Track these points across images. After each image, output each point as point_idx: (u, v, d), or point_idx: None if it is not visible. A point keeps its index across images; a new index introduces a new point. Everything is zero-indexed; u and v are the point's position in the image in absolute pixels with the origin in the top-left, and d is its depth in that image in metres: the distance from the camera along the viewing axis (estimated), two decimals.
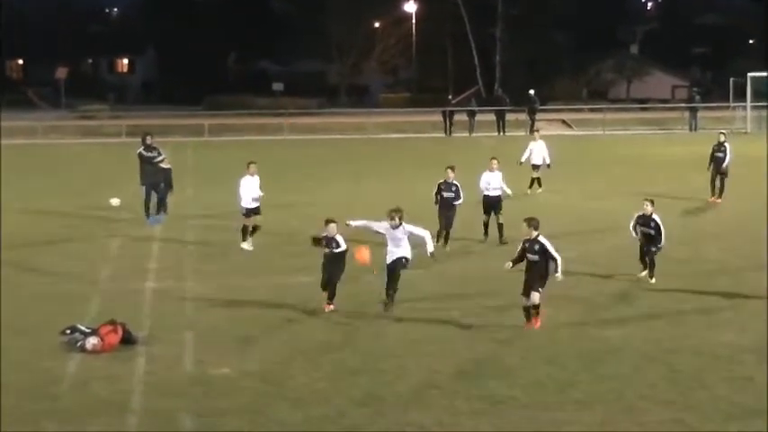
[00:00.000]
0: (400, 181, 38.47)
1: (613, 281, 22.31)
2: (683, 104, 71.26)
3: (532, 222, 18.33)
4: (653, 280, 21.95)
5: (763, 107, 61.53)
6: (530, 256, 18.18)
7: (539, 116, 62.36)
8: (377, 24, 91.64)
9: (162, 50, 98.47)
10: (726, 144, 34.01)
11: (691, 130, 61.70)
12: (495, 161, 27.15)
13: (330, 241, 19.53)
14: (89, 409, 14.69)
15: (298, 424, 14.18)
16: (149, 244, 26.88)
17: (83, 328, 17.66)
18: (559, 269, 18.21)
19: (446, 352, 17.25)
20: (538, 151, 35.51)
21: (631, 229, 22.17)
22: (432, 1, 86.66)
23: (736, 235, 27.86)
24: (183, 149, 46.71)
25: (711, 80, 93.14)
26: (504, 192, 26.74)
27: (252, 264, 24.43)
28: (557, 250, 18.34)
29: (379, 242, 20.44)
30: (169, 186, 30.18)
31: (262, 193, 26.00)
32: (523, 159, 35.27)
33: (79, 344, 17.29)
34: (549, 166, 35.54)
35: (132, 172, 31.21)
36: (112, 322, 17.68)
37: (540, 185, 35.17)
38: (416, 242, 19.58)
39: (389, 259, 19.22)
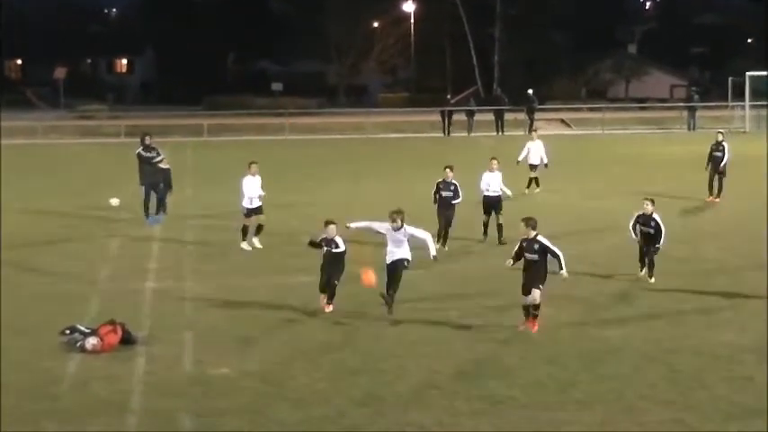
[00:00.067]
0: (399, 181, 38.48)
1: (613, 280, 22.31)
2: (681, 104, 71.27)
3: (530, 222, 18.29)
4: (652, 279, 21.96)
5: (761, 106, 61.55)
6: (528, 255, 18.15)
7: (537, 116, 62.38)
8: (375, 24, 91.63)
9: (161, 51, 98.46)
10: (724, 143, 34.02)
11: (689, 129, 61.73)
12: (495, 161, 27.12)
13: (330, 242, 19.50)
14: (89, 409, 14.69)
15: (297, 424, 14.18)
16: (149, 244, 26.88)
17: (82, 328, 17.66)
18: (564, 266, 18.14)
19: (446, 352, 17.25)
20: (535, 151, 35.49)
21: (631, 228, 22.17)
22: (430, 1, 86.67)
23: (735, 234, 27.87)
24: (183, 149, 46.71)
25: (710, 80, 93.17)
26: (503, 193, 26.71)
27: (251, 264, 24.43)
28: (552, 246, 18.25)
29: (379, 243, 20.43)
30: (168, 186, 30.18)
31: (263, 193, 26.00)
32: (520, 159, 35.26)
33: (79, 344, 17.29)
34: (546, 165, 35.51)
35: (131, 172, 31.21)
36: (112, 322, 17.68)
37: (537, 185, 35.16)
38: (417, 244, 19.56)
39: (389, 260, 19.15)
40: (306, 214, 29.69)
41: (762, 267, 23.05)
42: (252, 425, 14.16)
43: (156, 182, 29.96)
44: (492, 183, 26.50)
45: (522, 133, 56.39)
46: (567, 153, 46.58)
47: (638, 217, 22.06)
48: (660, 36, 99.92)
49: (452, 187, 25.61)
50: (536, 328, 17.96)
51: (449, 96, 67.07)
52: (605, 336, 18.29)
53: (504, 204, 26.73)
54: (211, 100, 77.74)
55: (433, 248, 19.33)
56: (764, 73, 62.57)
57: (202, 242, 27.02)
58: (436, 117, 62.64)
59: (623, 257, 23.34)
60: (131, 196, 31.20)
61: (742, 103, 63.03)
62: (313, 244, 19.82)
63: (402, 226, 18.97)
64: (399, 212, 19.10)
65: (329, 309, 19.50)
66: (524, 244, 18.25)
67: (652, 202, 22.06)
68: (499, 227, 26.18)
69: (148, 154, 30.17)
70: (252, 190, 25.81)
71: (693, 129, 61.32)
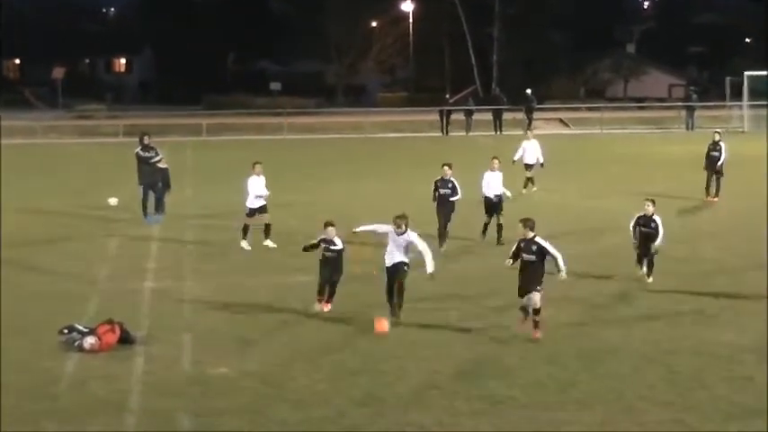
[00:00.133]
0: (398, 180, 38.47)
1: (612, 281, 22.29)
2: (679, 103, 71.28)
3: (528, 223, 18.16)
4: (651, 279, 21.94)
5: (759, 106, 61.55)
6: (525, 256, 18.02)
7: (536, 115, 62.39)
8: (374, 24, 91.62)
9: (159, 50, 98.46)
10: (721, 143, 34.01)
11: (688, 128, 61.72)
12: (496, 161, 27.06)
13: (328, 243, 19.41)
14: (87, 409, 14.67)
15: (297, 424, 14.17)
16: (148, 244, 26.86)
17: (80, 327, 17.64)
18: (563, 267, 18.01)
19: (446, 352, 17.23)
20: (531, 150, 35.37)
21: (631, 229, 22.11)
22: (429, 0, 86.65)
23: (734, 234, 27.87)
24: (181, 149, 46.70)
25: (708, 79, 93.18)
26: (503, 193, 26.65)
27: (250, 263, 24.41)
28: (556, 249, 18.19)
29: (379, 244, 20.36)
30: (167, 186, 30.16)
31: (268, 193, 25.99)
32: (516, 158, 35.07)
33: (77, 343, 17.28)
34: (542, 165, 35.39)
35: (130, 172, 31.18)
36: (110, 322, 17.66)
37: (533, 184, 35.08)
38: (416, 256, 19.38)
39: (389, 262, 18.85)
40: (305, 214, 29.68)
41: (761, 267, 23.05)
42: (251, 425, 14.14)
43: (154, 181, 29.94)
44: (493, 182, 26.46)
45: (520, 133, 56.27)
46: (565, 153, 46.58)
47: (638, 218, 22.03)
48: (658, 36, 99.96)
49: (450, 185, 25.56)
50: (538, 334, 17.80)
51: (447, 96, 67.06)
52: (604, 336, 18.28)
53: (504, 205, 26.68)
54: (210, 100, 77.71)
55: (430, 265, 18.74)
56: (763, 73, 62.58)
57: (201, 242, 27.00)
58: (435, 117, 62.64)
59: (622, 257, 23.32)
60: (130, 196, 31.19)
61: (740, 103, 63.05)
62: (310, 247, 19.70)
63: (405, 231, 18.76)
64: (403, 217, 18.81)
65: (327, 308, 19.47)
66: (522, 245, 18.15)
67: (653, 203, 22.03)
68: (499, 227, 26.15)
69: (147, 154, 30.15)
70: (256, 190, 25.80)
71: (692, 128, 61.31)
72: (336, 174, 41.12)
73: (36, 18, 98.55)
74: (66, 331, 17.56)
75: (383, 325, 18.34)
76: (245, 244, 25.73)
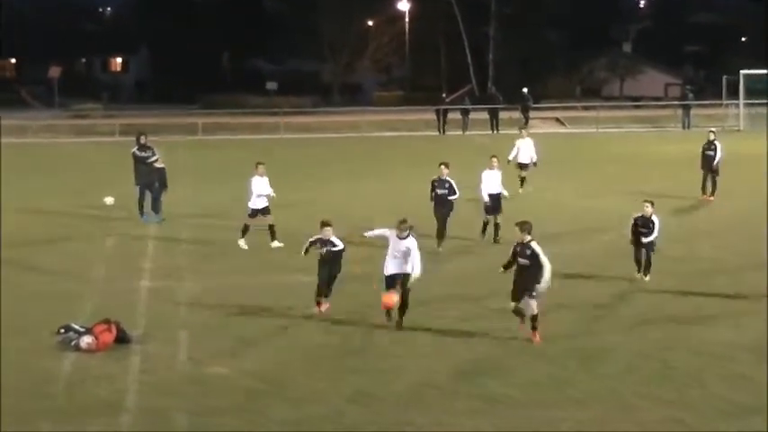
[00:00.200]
0: (396, 179, 38.45)
1: (609, 280, 22.28)
2: (676, 102, 71.28)
3: (525, 226, 17.98)
4: (648, 278, 21.95)
5: (755, 105, 61.58)
6: (521, 260, 17.82)
7: (532, 114, 62.33)
8: (370, 23, 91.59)
9: (155, 49, 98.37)
10: (716, 142, 34.01)
11: (684, 127, 61.71)
12: (495, 159, 27.06)
13: (326, 243, 19.29)
14: (84, 409, 14.67)
15: (295, 423, 14.16)
16: (144, 243, 26.85)
17: (77, 327, 17.63)
18: (546, 278, 17.62)
19: (443, 352, 17.24)
20: (525, 149, 35.32)
21: (631, 231, 22.02)
22: None
23: (731, 233, 27.88)
24: (178, 149, 46.64)
25: (704, 78, 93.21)
26: (501, 192, 26.63)
27: (248, 263, 24.40)
28: (546, 256, 17.73)
29: (381, 245, 20.29)
30: (163, 185, 30.14)
31: (272, 193, 25.92)
32: (511, 158, 34.91)
33: (73, 343, 17.27)
34: (535, 164, 35.34)
35: (126, 171, 31.16)
36: (107, 321, 17.66)
37: (527, 184, 34.98)
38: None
39: (389, 271, 18.56)
40: (304, 213, 29.59)
41: (758, 266, 23.05)
42: (248, 424, 14.14)
43: (150, 181, 29.93)
44: (492, 181, 26.44)
45: (516, 132, 56.31)
46: (561, 152, 46.58)
47: (636, 219, 22.00)
48: (655, 34, 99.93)
49: (447, 185, 25.49)
50: (537, 337, 17.72)
51: (444, 95, 67.02)
52: (602, 335, 18.28)
53: (502, 204, 26.66)
54: (207, 99, 77.63)
55: (417, 271, 18.40)
56: (759, 71, 62.58)
57: (198, 241, 26.99)
58: (431, 115, 62.61)
59: (619, 256, 23.32)
60: (126, 195, 31.13)
61: (736, 102, 63.03)
62: (307, 249, 19.55)
63: (408, 236, 18.60)
64: (407, 222, 18.70)
65: (325, 307, 19.39)
66: (518, 249, 18.01)
67: (652, 204, 22.01)
68: (496, 226, 26.14)
69: (143, 153, 30.14)
70: (260, 190, 25.77)
71: (688, 127, 61.30)
72: (334, 173, 41.08)
73: (33, 17, 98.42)
74: (62, 331, 17.56)
75: (391, 298, 18.26)
76: (242, 243, 25.70)
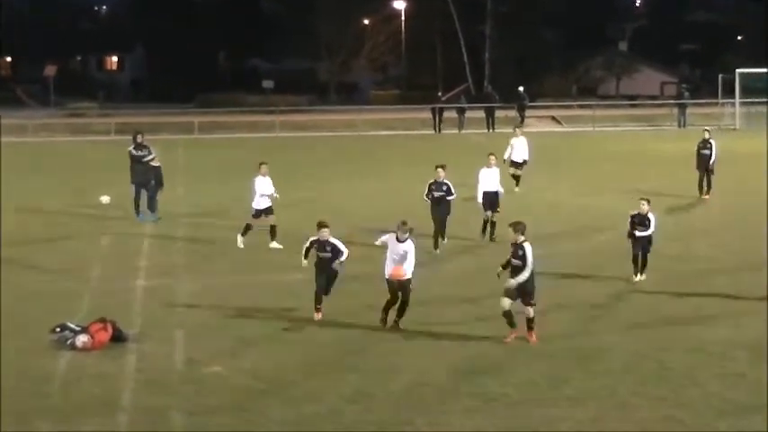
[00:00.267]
0: (391, 179, 38.41)
1: (606, 279, 22.26)
2: (671, 101, 71.30)
3: (518, 227, 17.84)
4: (644, 277, 21.93)
5: (751, 103, 61.62)
6: (514, 261, 17.65)
7: (528, 113, 62.28)
8: (366, 22, 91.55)
9: (151, 48, 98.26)
10: (711, 141, 33.99)
11: (679, 126, 61.72)
12: (492, 157, 27.05)
13: (323, 245, 19.04)
14: (80, 408, 14.66)
15: (290, 422, 14.15)
16: (140, 242, 26.82)
17: (72, 325, 17.62)
18: (520, 278, 17.42)
19: (442, 351, 17.22)
20: (519, 148, 35.30)
21: (629, 229, 21.97)
22: None
23: (727, 231, 27.89)
24: (173, 147, 46.57)
25: (700, 77, 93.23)
26: (498, 190, 26.60)
27: (243, 262, 24.37)
28: (535, 258, 17.52)
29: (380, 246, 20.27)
30: (159, 184, 30.10)
31: (275, 194, 25.83)
32: (506, 157, 34.81)
33: (69, 341, 17.25)
34: (525, 162, 35.30)
35: (122, 170, 31.13)
36: (102, 320, 17.65)
37: (522, 182, 34.88)
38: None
39: (388, 274, 18.43)
40: (301, 213, 29.54)
41: (755, 265, 23.07)
42: (246, 423, 14.12)
43: (146, 180, 29.90)
44: (490, 179, 26.42)
45: (512, 130, 56.29)
46: (557, 150, 46.60)
47: (633, 216, 21.99)
48: (651, 33, 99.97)
49: (445, 187, 25.30)
50: (534, 337, 17.69)
51: (440, 94, 67.00)
52: (597, 333, 18.29)
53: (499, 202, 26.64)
54: (203, 97, 77.57)
55: (409, 272, 18.39)
56: (755, 70, 62.62)
57: (194, 240, 26.97)
58: (427, 114, 62.57)
59: (616, 256, 23.30)
60: (122, 194, 31.09)
61: (732, 100, 63.05)
62: (306, 252, 19.24)
63: (407, 239, 18.49)
64: (407, 225, 18.60)
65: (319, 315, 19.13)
66: (512, 249, 17.95)
67: (648, 201, 21.99)
68: (492, 224, 26.13)
69: (140, 153, 30.11)
70: (263, 190, 25.71)
71: (684, 126, 61.31)
72: (331, 172, 40.99)
73: (28, 16, 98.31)
74: (58, 330, 17.54)
75: (399, 271, 18.16)
76: (240, 241, 25.63)
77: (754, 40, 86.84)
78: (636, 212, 21.95)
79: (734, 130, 58.71)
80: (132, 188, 30.11)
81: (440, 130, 60.48)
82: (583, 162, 44.64)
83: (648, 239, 21.86)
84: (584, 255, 24.62)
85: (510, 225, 18.04)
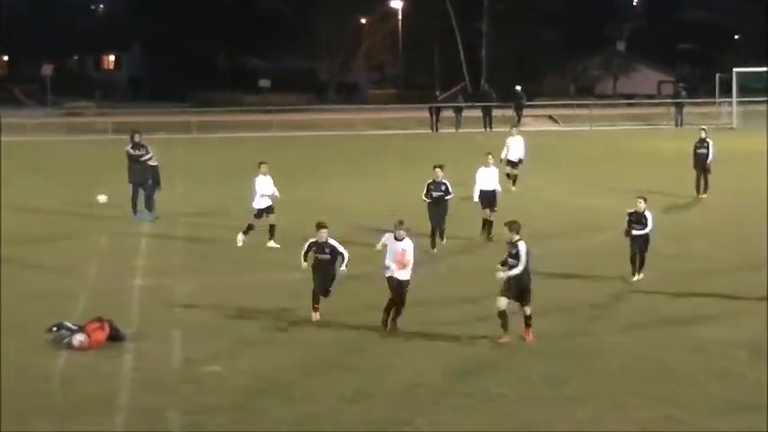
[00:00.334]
0: (388, 178, 38.38)
1: (604, 278, 22.22)
2: (669, 100, 71.31)
3: (513, 226, 17.76)
4: (642, 275, 21.90)
5: (748, 102, 61.66)
6: (510, 260, 17.60)
7: (526, 112, 62.30)
8: (363, 21, 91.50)
9: (148, 47, 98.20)
10: (708, 140, 34.00)
11: (677, 125, 61.78)
12: (490, 156, 27.09)
13: (322, 246, 18.87)
14: (77, 407, 14.62)
15: (288, 421, 14.12)
16: (137, 241, 26.78)
17: (69, 325, 17.57)
18: (512, 272, 17.35)
19: (436, 349, 17.20)
20: (515, 147, 35.30)
21: (626, 227, 21.94)
22: None
23: (724, 231, 27.88)
24: (171, 147, 46.51)
25: (698, 76, 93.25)
26: (496, 189, 26.58)
27: (241, 261, 24.33)
28: (528, 258, 17.37)
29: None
30: (157, 184, 30.08)
31: (276, 193, 25.78)
32: (503, 156, 34.77)
33: (66, 341, 17.21)
34: (521, 161, 35.29)
35: (119, 169, 31.08)
36: (99, 319, 17.61)
37: (518, 181, 34.85)
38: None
39: (388, 273, 18.33)
40: (297, 212, 29.49)
41: (754, 264, 23.05)
42: (243, 423, 14.09)
43: (144, 179, 29.87)
44: (488, 178, 26.41)
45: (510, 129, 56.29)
46: (555, 149, 46.61)
47: (630, 215, 21.96)
48: (648, 33, 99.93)
49: (443, 187, 25.25)
50: (531, 336, 17.63)
51: (437, 93, 67.00)
52: (595, 332, 18.26)
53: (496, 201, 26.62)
54: (200, 97, 77.55)
55: (407, 274, 18.36)
56: (752, 69, 62.67)
57: (191, 239, 26.93)
58: (424, 113, 62.58)
59: (614, 255, 23.25)
60: (119, 193, 31.03)
61: (729, 100, 63.15)
62: (305, 254, 19.06)
63: (404, 238, 18.44)
64: (404, 224, 18.54)
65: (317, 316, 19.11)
66: (507, 248, 17.88)
67: (645, 200, 21.99)
68: (489, 223, 26.11)
69: (137, 152, 30.07)
70: (263, 189, 25.67)
71: (681, 125, 61.37)
72: (328, 171, 41.00)
73: (25, 15, 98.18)
74: (55, 329, 17.50)
75: (404, 257, 18.11)
76: (240, 240, 25.55)
77: (752, 40, 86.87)
78: (633, 210, 21.94)
79: (731, 129, 58.76)
80: (130, 187, 30.07)
81: (437, 130, 60.49)
82: (580, 161, 44.64)
83: (646, 238, 21.84)
84: (581, 254, 24.59)
85: (505, 224, 18.00)
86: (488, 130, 59.63)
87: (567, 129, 62.40)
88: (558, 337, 17.82)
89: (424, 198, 25.38)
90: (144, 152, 30.10)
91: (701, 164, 33.78)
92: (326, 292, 18.97)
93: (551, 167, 39.47)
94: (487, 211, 26.33)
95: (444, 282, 21.86)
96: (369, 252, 19.75)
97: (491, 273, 18.09)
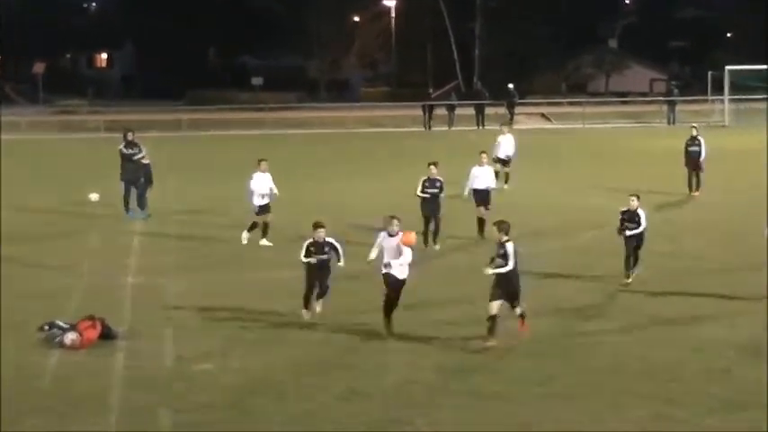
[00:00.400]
0: (382, 176, 38.36)
1: (595, 276, 22.25)
2: (661, 98, 71.34)
3: (502, 226, 17.69)
4: (636, 272, 21.88)
5: (740, 100, 61.72)
6: (498, 260, 17.52)
7: (518, 110, 62.31)
8: (356, 19, 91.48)
9: (140, 45, 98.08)
10: (699, 138, 34.00)
11: (669, 123, 61.80)
12: (484, 155, 27.10)
13: (321, 246, 18.76)
14: (69, 405, 14.62)
15: (280, 420, 14.12)
16: (130, 239, 26.77)
17: (61, 323, 17.56)
18: (498, 270, 17.34)
19: (429, 348, 17.21)
20: (505, 145, 35.29)
21: (618, 226, 21.93)
22: None
23: (716, 229, 27.90)
24: (163, 144, 46.45)
25: (690, 74, 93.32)
26: (489, 187, 26.57)
27: (234, 259, 24.32)
28: (514, 257, 17.32)
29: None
30: (149, 182, 30.05)
31: (275, 190, 25.75)
32: (496, 155, 34.75)
33: (57, 339, 17.20)
34: (509, 158, 35.24)
35: (112, 167, 31.06)
36: (91, 317, 17.59)
37: (503, 181, 34.81)
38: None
39: (385, 270, 18.25)
40: (295, 210, 29.39)
41: (746, 262, 23.03)
42: (236, 421, 14.09)
43: (136, 178, 29.85)
44: (482, 177, 26.41)
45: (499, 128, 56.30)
46: (547, 147, 46.61)
47: (623, 213, 21.96)
48: (640, 30, 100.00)
49: (438, 184, 25.26)
50: (525, 327, 17.60)
51: (430, 91, 66.97)
52: (587, 331, 18.28)
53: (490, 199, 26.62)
54: (193, 95, 77.49)
55: (404, 272, 18.33)
56: (744, 67, 62.74)
57: (184, 237, 26.91)
58: (417, 111, 62.56)
59: (606, 253, 23.29)
60: (111, 191, 30.99)
61: (721, 97, 63.19)
62: (305, 255, 18.78)
63: (397, 233, 18.39)
64: (395, 219, 18.50)
65: (319, 308, 19.02)
66: (496, 248, 17.86)
67: (638, 198, 21.97)
68: (482, 222, 26.08)
69: (130, 151, 30.06)
70: (262, 187, 25.63)
71: (673, 123, 61.38)
72: (322, 170, 40.93)
73: (17, 13, 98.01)
74: (46, 327, 17.48)
75: (410, 237, 18.11)
76: (245, 237, 25.52)
77: (744, 38, 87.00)
78: (626, 209, 21.93)
79: (723, 126, 58.78)
80: (122, 185, 30.05)
81: (430, 127, 60.47)
82: (572, 159, 44.63)
83: (640, 237, 21.83)
84: (573, 252, 24.61)
85: (494, 224, 17.96)
86: (481, 128, 59.60)
87: (560, 127, 62.41)
88: (554, 337, 17.84)
89: (418, 194, 25.36)
90: (137, 150, 30.08)
91: (692, 162, 33.79)
92: (326, 289, 18.94)
93: (544, 165, 39.47)
94: (482, 209, 26.35)
95: (438, 280, 21.86)
96: (366, 252, 19.69)
97: (482, 270, 18.08)
